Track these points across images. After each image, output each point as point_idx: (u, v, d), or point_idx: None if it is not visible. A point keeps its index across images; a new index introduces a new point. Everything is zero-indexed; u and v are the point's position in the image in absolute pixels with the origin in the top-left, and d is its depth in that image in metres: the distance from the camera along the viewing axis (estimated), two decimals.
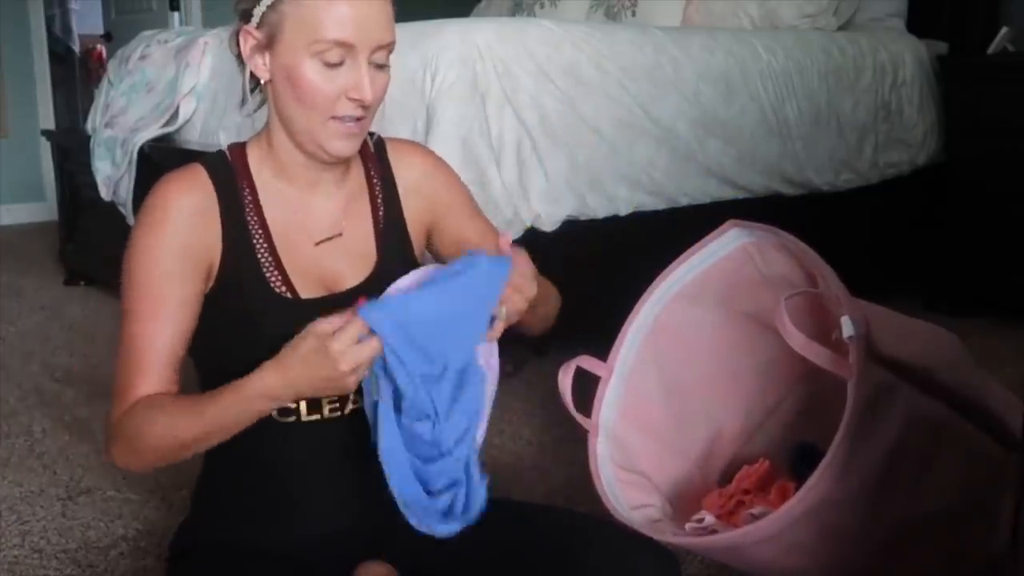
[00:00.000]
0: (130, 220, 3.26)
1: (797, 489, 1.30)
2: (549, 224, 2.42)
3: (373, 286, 1.14)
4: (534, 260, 2.25)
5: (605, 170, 2.52)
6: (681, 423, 1.45)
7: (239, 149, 1.19)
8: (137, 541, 1.76)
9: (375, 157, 1.25)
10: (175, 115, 3.16)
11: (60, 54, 7.03)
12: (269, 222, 1.16)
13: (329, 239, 1.18)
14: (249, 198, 1.16)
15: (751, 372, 1.48)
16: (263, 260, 1.14)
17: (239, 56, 1.18)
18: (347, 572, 1.14)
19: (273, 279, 1.14)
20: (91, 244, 3.76)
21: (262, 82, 1.15)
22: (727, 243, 1.36)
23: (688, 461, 1.46)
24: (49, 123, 5.68)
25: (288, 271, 1.15)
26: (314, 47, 1.07)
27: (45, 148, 4.81)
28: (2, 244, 4.90)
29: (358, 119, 1.11)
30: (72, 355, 2.93)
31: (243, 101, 1.21)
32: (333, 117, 1.10)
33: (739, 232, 1.35)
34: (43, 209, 5.49)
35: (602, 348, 1.43)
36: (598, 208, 2.52)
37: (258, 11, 1.11)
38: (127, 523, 1.82)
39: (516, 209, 2.35)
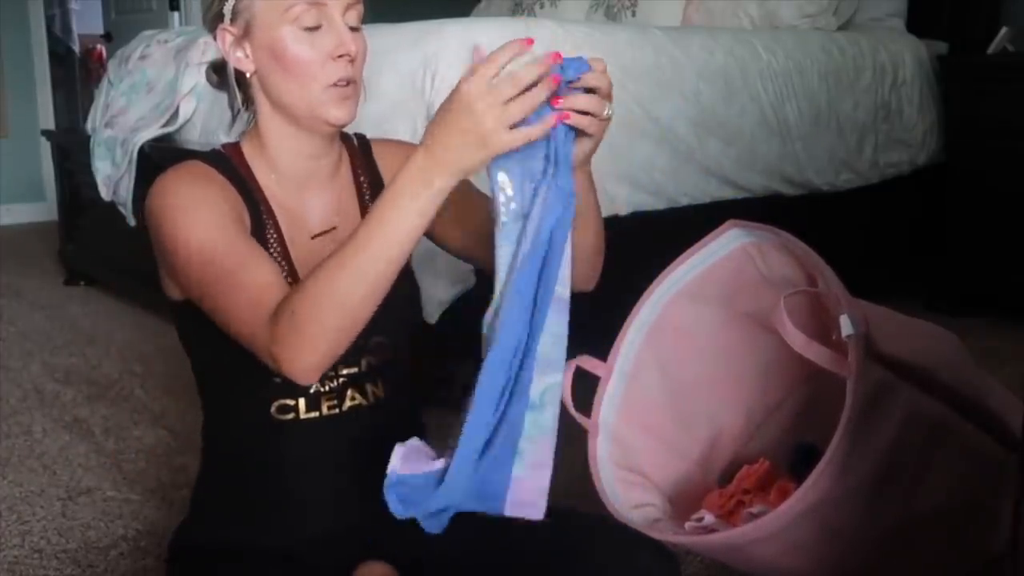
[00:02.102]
0: (130, 220, 3.25)
1: (797, 489, 1.30)
2: None
3: None
4: None
5: (605, 170, 2.52)
6: (682, 423, 1.45)
7: (233, 147, 1.20)
8: (137, 541, 1.76)
9: (361, 157, 1.26)
10: (175, 115, 3.16)
11: (60, 54, 7.02)
12: (276, 214, 1.16)
13: (325, 232, 1.18)
14: (256, 191, 1.16)
15: (752, 372, 1.47)
16: (273, 252, 1.14)
17: (218, 82, 1.20)
18: (347, 572, 1.14)
19: (283, 271, 1.14)
20: (91, 244, 3.76)
21: (247, 75, 1.14)
22: (727, 243, 1.36)
23: (689, 461, 1.46)
24: (49, 123, 5.68)
25: (295, 263, 1.15)
26: (289, 14, 1.08)
27: (45, 148, 4.81)
28: (2, 244, 4.90)
29: (349, 82, 1.11)
30: (72, 355, 2.93)
31: (233, 119, 1.21)
32: (328, 85, 1.10)
33: (739, 232, 1.35)
34: (43, 209, 5.49)
35: (602, 348, 1.42)
36: None
37: (228, 6, 1.12)
38: (127, 523, 1.82)
39: None
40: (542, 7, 3.74)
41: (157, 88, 3.29)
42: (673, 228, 1.82)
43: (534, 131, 0.87)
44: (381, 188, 1.23)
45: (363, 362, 1.17)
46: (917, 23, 3.53)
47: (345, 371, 1.15)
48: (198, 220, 1.06)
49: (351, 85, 1.12)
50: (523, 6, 3.82)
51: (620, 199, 2.56)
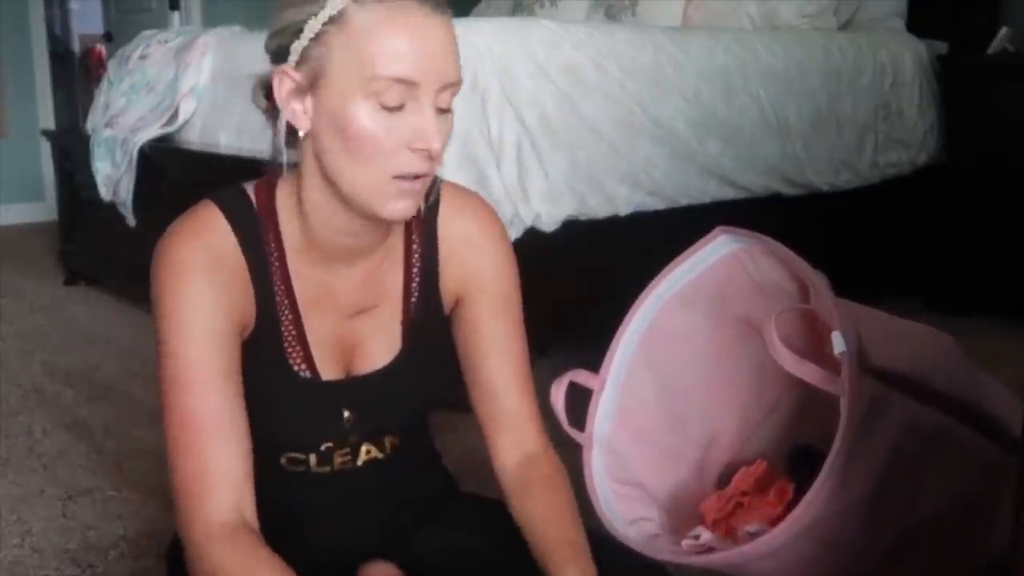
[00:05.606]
0: (130, 220, 3.26)
1: (795, 491, 1.30)
2: (549, 224, 2.42)
3: (397, 370, 1.07)
4: (534, 260, 2.22)
5: (605, 170, 2.52)
6: (677, 427, 1.44)
7: (266, 193, 1.01)
8: (137, 541, 1.76)
9: (423, 220, 1.07)
10: (175, 115, 3.17)
11: (60, 54, 7.03)
12: (296, 290, 1.02)
13: (363, 311, 1.05)
14: (276, 261, 1.01)
15: (746, 374, 1.47)
16: (286, 334, 1.02)
17: (268, 109, 1.00)
18: (351, 572, 1.12)
19: (294, 356, 1.02)
20: (91, 244, 3.76)
21: (300, 134, 0.95)
22: (717, 249, 1.35)
23: (685, 465, 1.45)
24: (49, 123, 5.68)
25: (312, 348, 1.03)
26: (370, 86, 0.90)
27: (45, 148, 4.81)
28: (2, 244, 4.90)
29: (418, 176, 0.94)
30: (72, 355, 2.93)
31: (276, 157, 0.99)
32: (394, 176, 0.93)
33: (728, 238, 1.34)
34: (43, 209, 5.49)
35: (602, 348, 1.42)
36: (598, 208, 2.52)
37: (297, 46, 0.92)
38: (127, 523, 1.82)
39: (516, 209, 2.35)
40: (542, 7, 3.74)
41: (157, 88, 3.30)
42: (673, 228, 1.82)
43: None
44: (435, 251, 1.07)
45: (381, 426, 1.10)
46: (917, 23, 3.54)
47: (356, 436, 1.08)
48: (189, 342, 0.94)
49: (421, 179, 0.94)
50: (523, 6, 3.82)
51: (620, 199, 2.56)
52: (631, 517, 1.31)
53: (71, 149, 3.73)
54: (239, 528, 0.94)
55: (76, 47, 7.54)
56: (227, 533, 0.94)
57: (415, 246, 1.08)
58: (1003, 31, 3.25)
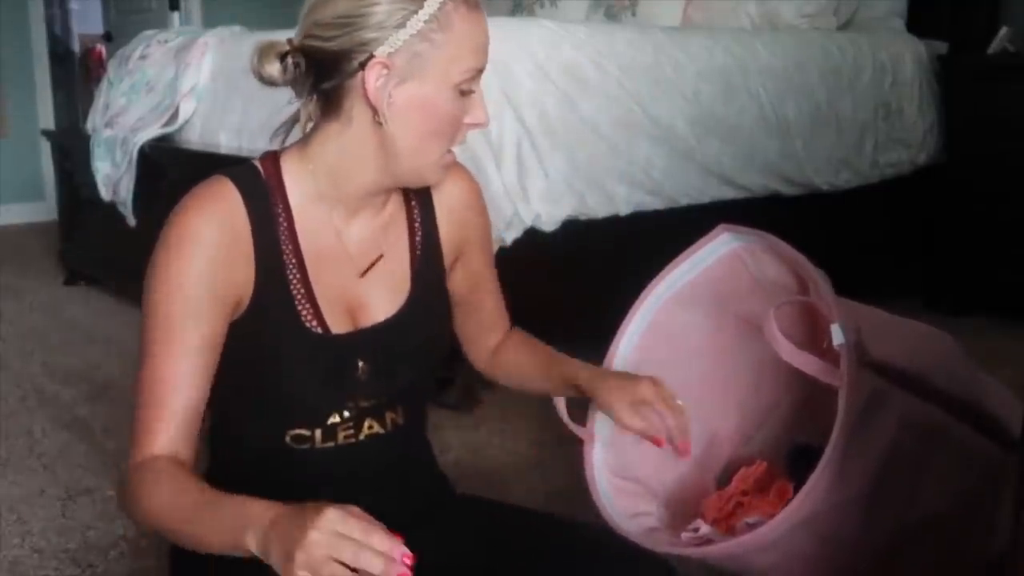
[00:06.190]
0: (130, 220, 3.26)
1: (795, 490, 1.30)
2: (549, 224, 2.42)
3: (404, 320, 1.12)
4: (534, 260, 2.24)
5: (605, 170, 2.52)
6: None
7: (272, 163, 1.09)
8: (137, 541, 1.76)
9: None
10: (175, 115, 3.17)
11: (60, 54, 7.03)
12: (303, 250, 1.08)
13: (372, 266, 1.11)
14: (284, 223, 1.07)
15: (746, 373, 1.47)
16: (296, 292, 1.06)
17: (284, 80, 1.04)
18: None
19: (305, 313, 1.07)
20: (91, 244, 3.76)
21: (382, 119, 1.01)
22: (718, 247, 1.35)
23: (685, 462, 1.45)
24: (49, 123, 5.69)
25: (320, 304, 1.08)
26: (460, 76, 1.02)
27: (45, 148, 4.82)
28: (2, 244, 4.90)
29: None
30: (72, 355, 2.94)
31: (287, 130, 1.11)
32: (446, 151, 1.07)
33: (730, 236, 1.34)
34: (43, 209, 5.49)
35: (602, 347, 1.42)
36: (598, 208, 2.52)
37: (395, 39, 0.99)
38: (127, 523, 1.82)
39: (516, 209, 2.35)
40: (542, 7, 3.75)
41: (157, 88, 3.30)
42: (673, 228, 1.82)
43: None
44: (432, 209, 1.18)
45: (386, 396, 1.13)
46: (917, 23, 3.54)
47: (365, 403, 1.11)
48: (175, 291, 1.01)
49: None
50: (523, 6, 3.82)
51: (620, 199, 2.56)
52: (631, 512, 1.31)
53: (71, 149, 3.73)
54: (160, 459, 1.02)
55: (76, 47, 7.54)
56: (147, 462, 1.02)
57: (413, 203, 1.17)
58: (1003, 31, 3.26)
